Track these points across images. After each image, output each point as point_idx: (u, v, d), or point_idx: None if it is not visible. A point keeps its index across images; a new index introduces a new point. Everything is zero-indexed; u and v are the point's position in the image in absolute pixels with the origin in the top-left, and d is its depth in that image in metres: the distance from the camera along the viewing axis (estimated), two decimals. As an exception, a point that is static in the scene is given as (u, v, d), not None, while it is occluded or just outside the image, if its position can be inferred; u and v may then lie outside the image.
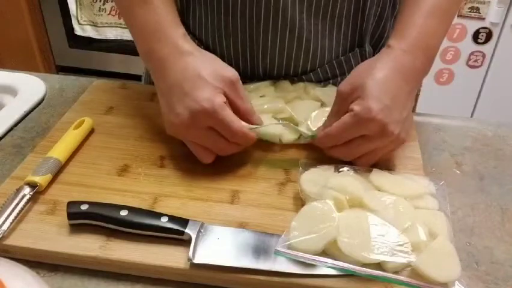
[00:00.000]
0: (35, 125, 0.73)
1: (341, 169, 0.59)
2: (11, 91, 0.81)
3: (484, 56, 1.87)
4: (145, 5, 0.62)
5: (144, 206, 0.56)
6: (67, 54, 2.27)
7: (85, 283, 0.50)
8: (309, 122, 0.66)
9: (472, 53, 1.87)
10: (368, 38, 0.75)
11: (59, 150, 0.62)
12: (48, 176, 0.58)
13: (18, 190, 0.56)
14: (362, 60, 0.63)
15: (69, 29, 2.13)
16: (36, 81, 0.82)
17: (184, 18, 0.65)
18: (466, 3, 1.77)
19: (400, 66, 0.58)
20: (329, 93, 0.70)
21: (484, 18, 1.79)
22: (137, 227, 0.52)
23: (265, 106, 0.68)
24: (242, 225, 0.54)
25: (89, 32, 2.10)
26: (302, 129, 0.65)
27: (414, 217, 0.52)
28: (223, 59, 0.63)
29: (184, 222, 0.52)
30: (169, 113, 0.59)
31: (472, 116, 2.00)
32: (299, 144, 0.65)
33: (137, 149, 0.65)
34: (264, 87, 0.73)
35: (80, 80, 0.84)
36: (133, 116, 0.72)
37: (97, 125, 0.69)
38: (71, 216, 0.52)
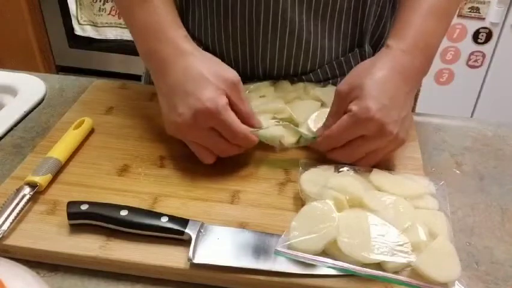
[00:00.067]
0: (35, 125, 0.73)
1: (341, 169, 0.59)
2: (11, 91, 0.81)
3: (484, 56, 1.87)
4: (144, 4, 0.62)
5: (144, 206, 0.56)
6: (67, 54, 2.27)
7: (85, 283, 0.50)
8: (309, 123, 0.66)
9: (472, 53, 1.87)
10: (368, 38, 0.75)
11: (59, 150, 0.62)
12: (48, 176, 0.58)
13: (18, 190, 0.56)
14: (362, 61, 0.63)
15: (69, 29, 2.13)
16: (36, 81, 0.82)
17: (183, 20, 0.65)
18: (466, 3, 1.77)
19: (399, 66, 0.58)
20: (329, 93, 0.70)
21: (484, 18, 1.79)
22: (137, 227, 0.52)
23: (265, 106, 0.68)
24: (242, 225, 0.54)
25: (89, 32, 2.10)
26: (302, 130, 0.65)
27: (414, 217, 0.52)
28: (223, 59, 0.63)
29: (184, 222, 0.52)
30: (170, 112, 0.59)
31: (472, 116, 2.00)
32: (299, 144, 0.66)
33: (137, 149, 0.65)
34: (264, 87, 0.73)
35: (80, 80, 0.84)
36: (133, 116, 0.72)
37: (97, 125, 0.69)
38: (71, 216, 0.52)
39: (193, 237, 0.50)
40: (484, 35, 1.82)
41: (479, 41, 1.84)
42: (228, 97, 0.58)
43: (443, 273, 0.47)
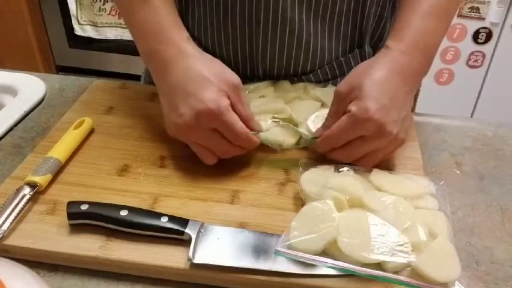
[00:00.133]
0: (35, 125, 0.73)
1: (341, 169, 0.59)
2: (11, 91, 0.81)
3: (484, 56, 1.87)
4: (145, 4, 0.62)
5: (144, 206, 0.56)
6: (67, 54, 2.27)
7: (85, 283, 0.50)
8: (308, 123, 0.66)
9: (472, 53, 1.87)
10: (368, 38, 0.75)
11: (59, 150, 0.62)
12: (48, 176, 0.58)
13: (18, 190, 0.56)
14: (362, 61, 0.63)
15: (69, 29, 2.13)
16: (36, 81, 0.82)
17: (183, 19, 0.65)
18: (466, 3, 1.77)
19: (398, 67, 0.58)
20: (329, 93, 0.70)
21: (484, 18, 1.79)
22: (137, 227, 0.52)
23: (265, 106, 0.68)
24: (242, 225, 0.54)
25: (89, 32, 2.10)
26: (302, 130, 0.65)
27: (414, 217, 0.52)
28: (222, 59, 0.63)
29: (184, 222, 0.52)
30: (171, 113, 0.59)
31: (472, 116, 2.00)
32: (299, 144, 0.66)
33: (137, 149, 0.65)
34: (264, 87, 0.73)
35: (80, 80, 0.84)
36: (133, 116, 0.72)
37: (97, 125, 0.69)
38: (71, 216, 0.52)
39: (193, 237, 0.50)
40: (484, 35, 1.82)
41: (479, 41, 1.84)
42: (228, 99, 0.58)
43: (443, 273, 0.47)
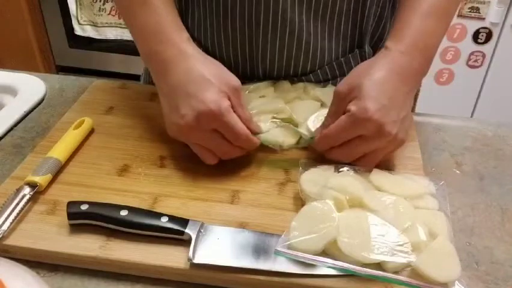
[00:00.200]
0: (35, 125, 0.73)
1: (341, 169, 0.59)
2: (11, 91, 0.81)
3: (484, 56, 1.87)
4: (144, 5, 0.62)
5: (144, 206, 0.56)
6: (67, 54, 2.27)
7: (85, 283, 0.50)
8: (308, 123, 0.66)
9: (472, 53, 1.87)
10: (368, 38, 0.75)
11: (59, 150, 0.62)
12: (48, 176, 0.58)
13: (18, 190, 0.56)
14: (362, 62, 0.63)
15: (69, 29, 2.13)
16: (36, 81, 0.82)
17: (183, 20, 0.65)
18: (466, 3, 1.77)
19: (397, 67, 0.58)
20: (328, 93, 0.70)
21: (484, 18, 1.79)
22: (137, 227, 0.52)
23: (265, 106, 0.68)
24: (242, 225, 0.54)
25: (89, 32, 2.10)
26: (302, 130, 0.65)
27: (414, 217, 0.52)
28: (222, 60, 0.63)
29: (184, 222, 0.52)
30: (172, 113, 0.59)
31: (472, 116, 2.00)
32: (299, 144, 0.66)
33: (137, 149, 0.65)
34: (264, 87, 0.73)
35: (80, 80, 0.84)
36: (133, 116, 0.72)
37: (97, 125, 0.69)
38: (71, 216, 0.52)
39: (193, 237, 0.50)
40: (484, 35, 1.82)
41: (479, 41, 1.84)
42: (229, 100, 0.58)
43: (443, 273, 0.47)
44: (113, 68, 2.25)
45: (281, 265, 0.49)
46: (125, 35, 2.07)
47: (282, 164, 0.64)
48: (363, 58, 0.75)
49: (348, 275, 0.48)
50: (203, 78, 0.58)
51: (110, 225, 0.52)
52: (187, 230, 0.51)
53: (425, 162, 0.65)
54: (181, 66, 0.59)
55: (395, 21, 0.64)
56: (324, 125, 0.61)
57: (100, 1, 2.04)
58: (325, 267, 0.49)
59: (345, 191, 0.54)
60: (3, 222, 0.52)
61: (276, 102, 0.69)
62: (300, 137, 0.65)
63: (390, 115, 0.55)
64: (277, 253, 0.49)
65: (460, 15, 1.79)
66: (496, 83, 1.92)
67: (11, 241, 0.51)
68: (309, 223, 0.51)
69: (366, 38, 0.74)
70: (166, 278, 0.50)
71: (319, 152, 0.62)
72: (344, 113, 0.57)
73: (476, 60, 1.88)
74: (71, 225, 0.53)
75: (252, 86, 0.73)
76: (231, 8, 0.70)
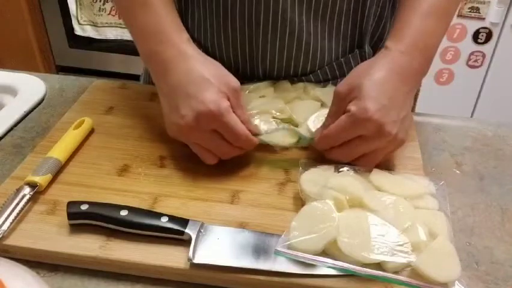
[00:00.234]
0: (35, 125, 0.73)
1: (341, 169, 0.59)
2: (11, 91, 0.81)
3: (484, 56, 1.87)
4: (144, 5, 0.62)
5: (144, 206, 0.56)
6: (67, 54, 2.27)
7: (85, 283, 0.50)
8: (308, 123, 0.66)
9: (472, 53, 1.87)
10: (368, 38, 0.75)
11: (59, 150, 0.62)
12: (48, 176, 0.58)
13: (18, 190, 0.56)
14: (362, 62, 0.63)
15: (69, 29, 2.13)
16: (36, 81, 0.82)
17: (182, 20, 0.65)
18: (466, 3, 1.77)
19: (397, 67, 0.58)
20: (328, 93, 0.70)
21: (484, 18, 1.79)
22: (137, 227, 0.52)
23: (265, 106, 0.68)
24: (242, 225, 0.54)
25: (89, 32, 2.10)
26: (302, 130, 0.65)
27: (414, 217, 0.52)
28: (222, 60, 0.63)
29: (184, 222, 0.52)
30: (172, 113, 0.59)
31: (472, 116, 2.00)
32: (299, 144, 0.66)
33: (137, 149, 0.65)
34: (264, 87, 0.73)
35: (80, 80, 0.84)
36: (133, 116, 0.72)
37: (97, 125, 0.69)
38: (71, 216, 0.52)
39: (193, 237, 0.50)
40: (484, 35, 1.82)
41: (479, 41, 1.84)
42: (228, 101, 0.58)
43: (443, 273, 0.47)
44: (113, 68, 2.25)
45: (281, 265, 0.49)
46: (125, 35, 2.07)
47: (282, 164, 0.64)
48: (363, 58, 0.75)
49: (348, 275, 0.48)
50: (203, 79, 0.58)
51: (110, 225, 0.52)
52: (187, 230, 0.51)
53: (425, 162, 0.65)
54: (181, 67, 0.59)
55: (395, 21, 0.64)
56: (324, 125, 0.61)
57: (100, 1, 2.04)
58: (325, 267, 0.49)
59: (345, 191, 0.54)
60: (3, 222, 0.52)
61: (276, 102, 0.69)
62: (300, 137, 0.65)
63: (390, 115, 0.55)
64: (277, 253, 0.49)
65: (460, 15, 1.79)
66: (496, 83, 1.92)
67: (11, 241, 0.51)
68: (309, 223, 0.51)
69: (366, 38, 0.74)
70: (166, 278, 0.50)
71: (319, 152, 0.62)
72: (344, 113, 0.57)
73: (476, 60, 1.88)
74: (71, 225, 0.53)
75: (252, 86, 0.73)
76: (230, 8, 0.69)
